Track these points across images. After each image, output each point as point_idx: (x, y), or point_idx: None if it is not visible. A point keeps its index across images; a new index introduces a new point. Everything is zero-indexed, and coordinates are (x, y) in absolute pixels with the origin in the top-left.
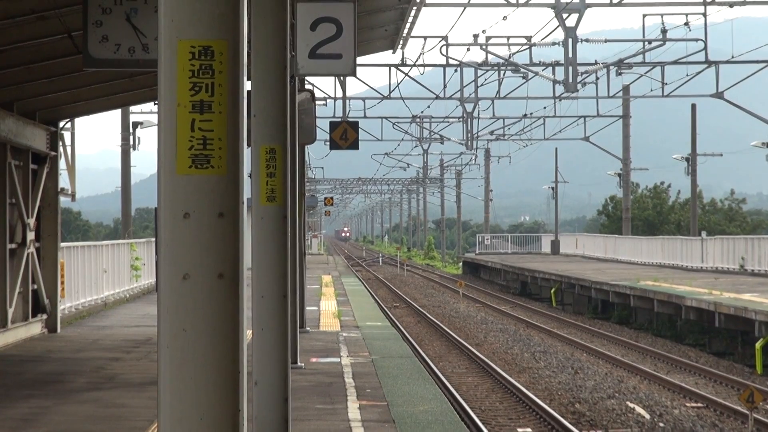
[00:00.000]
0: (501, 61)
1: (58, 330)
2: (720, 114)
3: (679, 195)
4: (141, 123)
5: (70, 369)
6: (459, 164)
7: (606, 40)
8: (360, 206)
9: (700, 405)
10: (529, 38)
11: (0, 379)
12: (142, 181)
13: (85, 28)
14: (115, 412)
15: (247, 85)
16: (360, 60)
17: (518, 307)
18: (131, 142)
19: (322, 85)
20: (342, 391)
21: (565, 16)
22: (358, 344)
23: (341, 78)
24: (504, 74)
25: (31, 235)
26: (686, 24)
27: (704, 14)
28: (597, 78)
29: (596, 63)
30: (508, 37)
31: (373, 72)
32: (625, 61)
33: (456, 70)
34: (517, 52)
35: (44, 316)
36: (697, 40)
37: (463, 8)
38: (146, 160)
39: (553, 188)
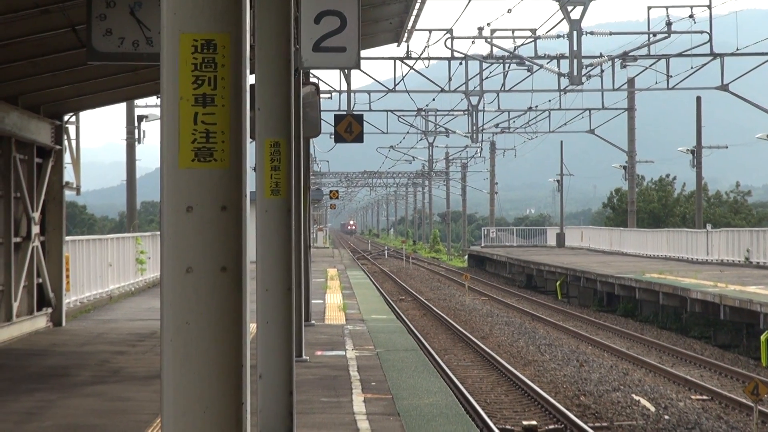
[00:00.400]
0: (506, 54)
1: (63, 324)
2: (725, 106)
3: (684, 187)
4: (146, 116)
5: (75, 362)
6: (464, 157)
7: (611, 33)
8: (365, 199)
9: (705, 397)
10: (534, 31)
11: (5, 372)
12: (148, 175)
13: (88, 21)
14: (120, 405)
15: (251, 79)
16: (365, 53)
17: (523, 299)
18: (136, 136)
19: (328, 78)
20: (347, 384)
21: (569, 8)
22: (363, 337)
23: (346, 71)
24: (509, 67)
25: (36, 229)
26: (691, 16)
27: (709, 6)
28: (602, 71)
29: (601, 56)
30: (513, 30)
31: (378, 65)
32: (630, 54)
33: (461, 63)
34: (522, 45)
35: (49, 310)
36: (702, 32)
37: (468, 1)
38: (151, 153)
39: (558, 181)
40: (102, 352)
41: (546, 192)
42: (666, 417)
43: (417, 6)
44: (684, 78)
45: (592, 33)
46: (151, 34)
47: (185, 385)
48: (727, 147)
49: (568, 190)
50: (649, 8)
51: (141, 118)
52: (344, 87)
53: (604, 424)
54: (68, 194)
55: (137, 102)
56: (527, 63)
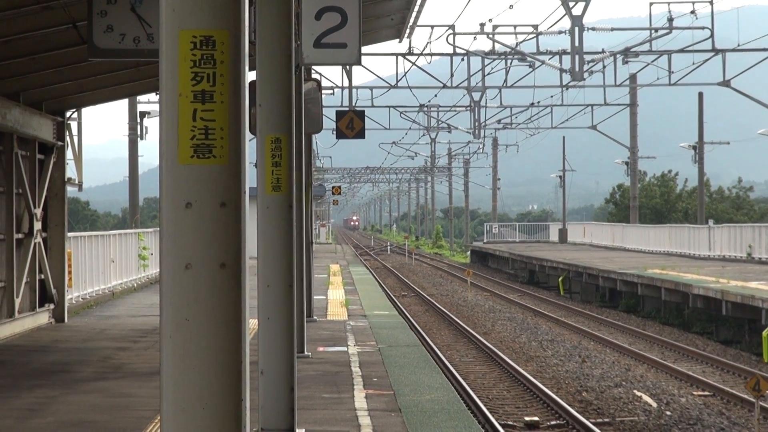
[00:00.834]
0: (508, 50)
1: (65, 320)
2: (727, 102)
3: (686, 183)
4: (148, 113)
5: (77, 359)
6: (467, 153)
7: (612, 29)
8: (368, 195)
9: (707, 393)
10: (535, 27)
11: (7, 368)
12: (150, 171)
13: (89, 18)
14: (122, 401)
15: (252, 75)
16: (366, 49)
17: (526, 295)
18: (138, 132)
19: (330, 74)
20: (349, 381)
21: (571, 4)
22: (365, 333)
23: (347, 67)
24: (511, 63)
25: (38, 225)
26: (693, 12)
27: (711, 2)
28: (604, 66)
29: (603, 51)
30: (515, 26)
31: (381, 61)
32: (631, 50)
33: (463, 59)
34: (524, 41)
35: (51, 306)
36: (703, 28)
37: None
38: (153, 149)
39: (560, 177)
40: (104, 348)
41: (548, 188)
42: (668, 413)
43: (418, 2)
44: (686, 74)
45: (593, 29)
46: (152, 31)
47: (184, 382)
48: (729, 143)
49: (571, 186)
50: (650, 4)
51: (143, 114)
52: (346, 83)
53: (606, 419)
54: (71, 190)
55: (139, 98)
56: (529, 59)
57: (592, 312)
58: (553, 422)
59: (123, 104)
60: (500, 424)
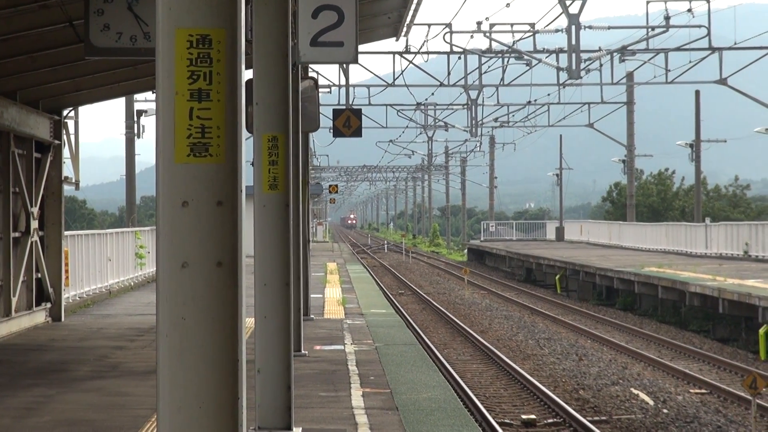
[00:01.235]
0: (505, 48)
1: (62, 319)
2: (724, 100)
3: (683, 181)
4: (145, 111)
5: (74, 358)
6: (464, 151)
7: (609, 27)
8: (365, 194)
9: (703, 391)
10: (532, 25)
11: (3, 367)
12: (147, 170)
13: (86, 16)
14: (119, 400)
15: (248, 74)
16: (363, 47)
17: (523, 293)
18: (135, 131)
19: (327, 72)
20: (345, 379)
21: (568, 2)
22: (362, 332)
23: (344, 66)
24: (508, 61)
25: (34, 224)
26: (689, 10)
27: (707, 0)
28: (600, 65)
29: (600, 50)
30: (512, 24)
31: (378, 59)
32: (628, 48)
33: (460, 58)
34: (521, 39)
35: (48, 305)
36: (700, 26)
37: None
38: (151, 148)
39: (557, 175)
40: (101, 347)
41: (545, 186)
42: (665, 411)
43: (415, 0)
44: (683, 72)
45: (590, 27)
46: (149, 29)
47: (181, 381)
48: (725, 141)
49: (568, 184)
50: (647, 2)
51: (140, 112)
52: (343, 81)
53: (603, 417)
54: (67, 189)
55: (136, 97)
56: (526, 57)
57: (589, 310)
58: (550, 420)
59: (120, 103)
60: (497, 423)
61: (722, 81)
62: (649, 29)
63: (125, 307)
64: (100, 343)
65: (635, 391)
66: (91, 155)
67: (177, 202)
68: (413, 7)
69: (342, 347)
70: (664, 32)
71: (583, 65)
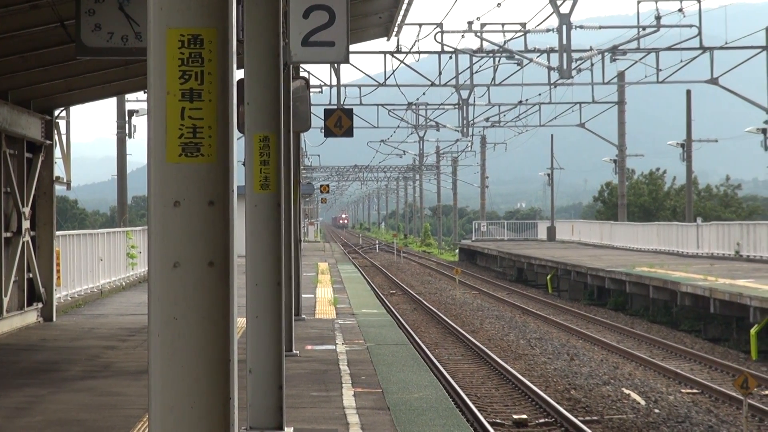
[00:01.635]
0: (496, 47)
1: (54, 319)
2: (715, 100)
3: (674, 181)
4: (136, 111)
5: (66, 357)
6: (455, 151)
7: (600, 27)
8: (356, 194)
9: (695, 391)
10: (523, 25)
11: None
12: (139, 170)
13: (77, 16)
14: (110, 400)
15: (240, 73)
16: (355, 47)
17: (514, 293)
18: (127, 130)
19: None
20: (337, 379)
21: (559, 2)
22: (353, 331)
23: (336, 65)
24: (499, 61)
25: (26, 224)
26: (680, 10)
27: (698, 0)
28: (592, 64)
29: (591, 49)
30: (503, 24)
31: (369, 59)
32: (619, 48)
33: (451, 57)
34: (512, 38)
35: (40, 305)
36: (691, 26)
37: None
38: (142, 148)
39: (549, 175)
40: (92, 347)
41: (537, 186)
42: (656, 410)
43: (406, 0)
44: (674, 72)
45: (581, 27)
46: (140, 29)
47: (172, 381)
48: (717, 140)
49: (559, 184)
50: (638, 2)
51: (131, 112)
52: (334, 81)
53: (595, 417)
54: (59, 189)
55: (128, 96)
56: (517, 57)
57: (581, 310)
58: (541, 420)
59: (111, 103)
60: (489, 422)
61: (713, 81)
62: (640, 29)
63: (117, 307)
64: (91, 343)
65: (627, 391)
66: (82, 155)
67: (168, 201)
68: (404, 7)
69: (333, 347)
70: (655, 32)
71: (574, 65)
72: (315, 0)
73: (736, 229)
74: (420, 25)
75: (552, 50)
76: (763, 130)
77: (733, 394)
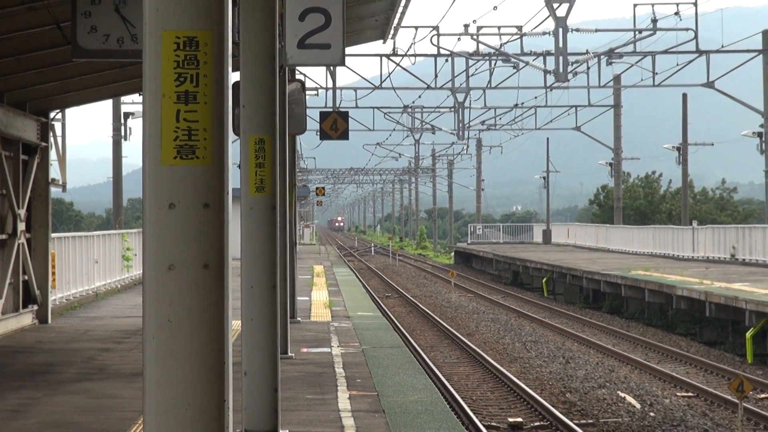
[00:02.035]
0: (492, 51)
1: (49, 321)
2: (711, 103)
3: (670, 184)
4: (132, 113)
5: (61, 360)
6: (451, 154)
7: (596, 30)
8: (352, 196)
9: (690, 394)
10: (519, 28)
11: None
12: (134, 172)
13: (73, 18)
14: (106, 402)
15: (235, 76)
16: (350, 50)
17: (510, 296)
18: (123, 133)
19: (314, 75)
20: (332, 381)
21: (555, 5)
22: (348, 334)
23: (331, 68)
24: (495, 64)
25: (21, 226)
26: (677, 13)
27: (695, 4)
28: (588, 68)
29: (587, 53)
30: (499, 27)
31: (365, 62)
32: (615, 51)
33: (447, 60)
34: (508, 42)
35: (35, 307)
36: (687, 29)
37: None
38: (138, 150)
39: (544, 178)
40: (88, 349)
41: (532, 189)
42: (651, 414)
43: (402, 3)
44: (670, 75)
45: (577, 30)
46: (136, 31)
47: (167, 383)
48: (712, 144)
49: (555, 187)
50: (635, 5)
51: (127, 115)
52: (330, 84)
53: (590, 420)
54: (54, 191)
55: (124, 99)
56: (513, 60)
57: (576, 313)
58: (536, 423)
59: (107, 105)
60: (484, 425)
61: (709, 84)
62: (637, 32)
63: (112, 309)
64: (86, 345)
65: (622, 394)
66: (78, 157)
67: (164, 204)
68: (400, 9)
69: (329, 350)
70: (651, 35)
71: (570, 68)
72: (311, 2)
73: (732, 233)
74: (416, 27)
75: (548, 53)
76: (759, 134)
77: (729, 397)
